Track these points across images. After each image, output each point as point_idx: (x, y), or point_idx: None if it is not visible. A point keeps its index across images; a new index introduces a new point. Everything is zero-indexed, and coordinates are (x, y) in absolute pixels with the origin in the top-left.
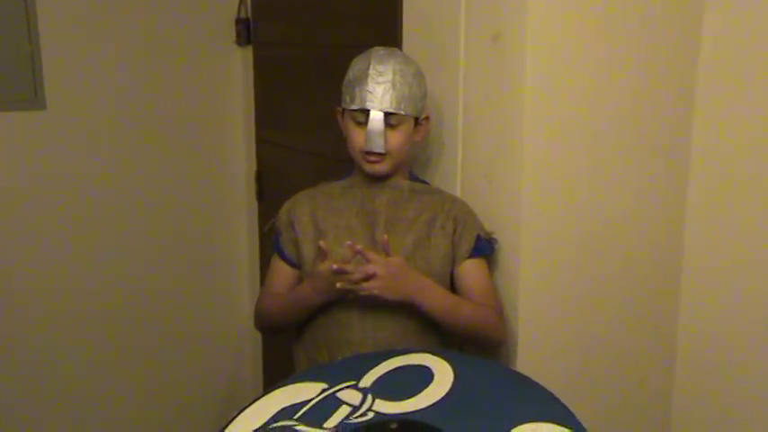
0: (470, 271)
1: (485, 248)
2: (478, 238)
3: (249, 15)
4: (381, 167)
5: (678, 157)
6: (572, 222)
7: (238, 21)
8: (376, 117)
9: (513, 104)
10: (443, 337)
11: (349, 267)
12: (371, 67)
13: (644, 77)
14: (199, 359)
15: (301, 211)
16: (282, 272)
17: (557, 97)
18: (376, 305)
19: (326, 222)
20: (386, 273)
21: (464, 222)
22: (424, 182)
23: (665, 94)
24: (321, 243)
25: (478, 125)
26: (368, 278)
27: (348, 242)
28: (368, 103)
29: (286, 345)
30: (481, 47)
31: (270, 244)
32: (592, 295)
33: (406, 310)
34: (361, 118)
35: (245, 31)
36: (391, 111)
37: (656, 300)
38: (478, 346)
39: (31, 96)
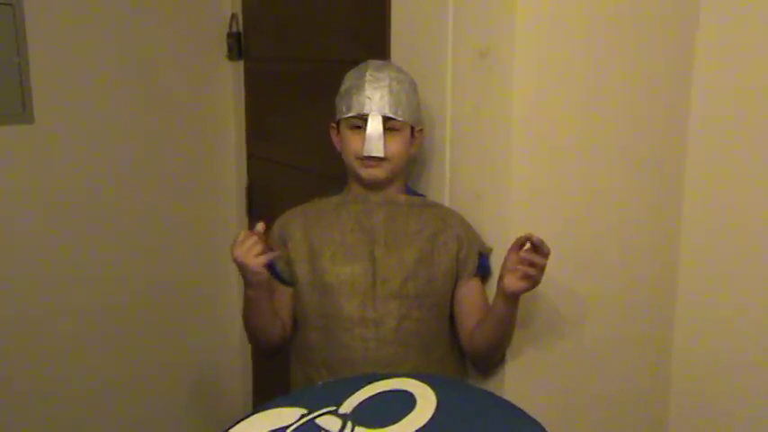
0: (474, 289)
1: (486, 265)
2: (480, 255)
3: (240, 29)
4: (378, 172)
5: (672, 173)
6: (562, 241)
7: (230, 35)
8: (375, 120)
9: (500, 121)
10: (444, 355)
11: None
12: (368, 74)
13: (635, 92)
14: (186, 376)
15: (294, 227)
16: (274, 289)
17: (545, 114)
18: (378, 323)
19: (321, 239)
20: None
21: (468, 240)
22: (419, 194)
23: (658, 109)
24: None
25: (466, 141)
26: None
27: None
28: (366, 107)
29: (276, 364)
30: (469, 62)
31: None
32: (583, 318)
33: (408, 328)
34: (358, 123)
35: (237, 46)
36: (390, 115)
37: (651, 322)
38: (486, 362)
39: (19, 110)
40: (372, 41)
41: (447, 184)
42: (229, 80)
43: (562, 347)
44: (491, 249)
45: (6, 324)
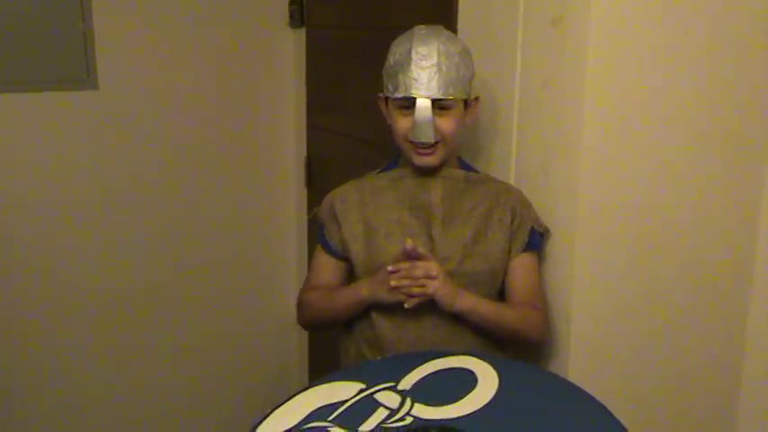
0: (521, 266)
1: (537, 243)
2: (532, 230)
3: None
4: (432, 159)
5: (755, 153)
6: (632, 221)
7: (292, 2)
8: (423, 105)
9: (572, 94)
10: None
11: (405, 266)
12: (413, 50)
13: (719, 67)
14: (245, 347)
15: (349, 206)
16: (328, 264)
17: (620, 86)
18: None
19: (377, 218)
20: (444, 276)
21: (521, 214)
22: (474, 169)
23: (744, 85)
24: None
25: (535, 114)
26: (429, 277)
27: (409, 245)
28: (413, 90)
29: (332, 336)
30: (541, 31)
31: (314, 234)
32: (652, 299)
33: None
34: (406, 104)
35: (299, 13)
36: (439, 97)
37: (723, 306)
38: (518, 345)
39: (84, 76)
40: (440, 8)
41: (513, 160)
42: (291, 49)
43: (628, 327)
44: (547, 229)
45: (70, 283)
